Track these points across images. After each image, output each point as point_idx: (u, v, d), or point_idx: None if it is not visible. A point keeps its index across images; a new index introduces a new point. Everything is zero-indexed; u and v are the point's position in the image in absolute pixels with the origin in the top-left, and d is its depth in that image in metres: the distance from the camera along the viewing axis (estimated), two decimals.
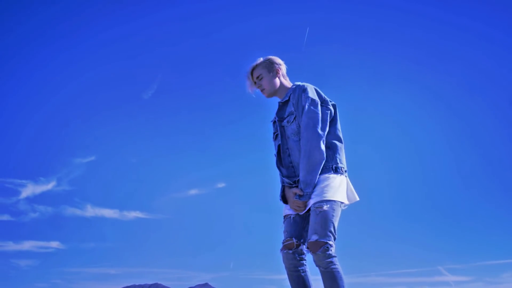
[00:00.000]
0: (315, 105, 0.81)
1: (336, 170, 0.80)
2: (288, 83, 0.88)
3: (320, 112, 0.81)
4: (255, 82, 0.89)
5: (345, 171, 0.81)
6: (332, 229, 0.76)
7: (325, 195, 0.77)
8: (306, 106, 0.81)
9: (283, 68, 0.89)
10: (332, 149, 0.81)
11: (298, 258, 0.80)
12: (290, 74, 0.91)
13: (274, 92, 0.87)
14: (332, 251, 0.75)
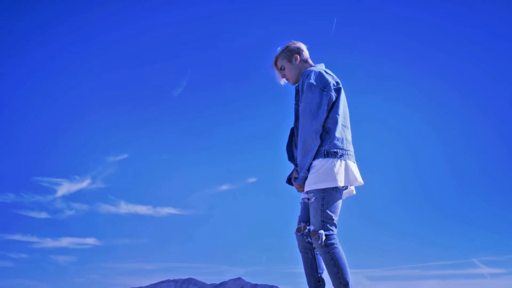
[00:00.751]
0: (314, 91, 0.80)
1: (328, 155, 0.79)
2: (309, 66, 0.88)
3: (318, 97, 0.80)
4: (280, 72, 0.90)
5: (342, 154, 0.80)
6: (325, 219, 0.78)
7: (312, 185, 0.79)
8: (305, 92, 0.81)
9: (303, 53, 0.88)
10: (328, 134, 0.80)
11: (307, 240, 0.83)
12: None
13: (297, 79, 0.87)
14: (324, 239, 0.77)
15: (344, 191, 0.83)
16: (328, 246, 0.78)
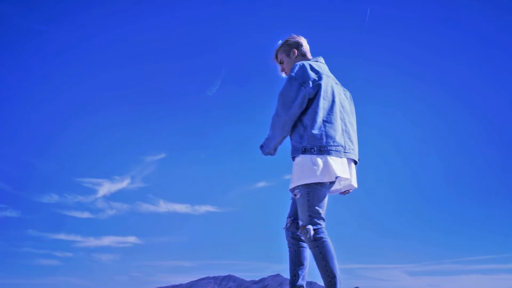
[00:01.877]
0: (292, 83, 0.81)
1: (305, 151, 0.79)
2: (306, 60, 0.88)
3: (295, 92, 0.80)
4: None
5: (320, 150, 0.79)
6: (312, 213, 0.79)
7: (295, 181, 0.80)
8: (285, 82, 0.82)
9: (301, 47, 0.89)
10: (306, 130, 0.80)
11: (290, 235, 0.85)
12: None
13: None
14: (312, 234, 0.78)
15: (341, 186, 0.84)
16: (317, 240, 0.78)
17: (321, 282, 0.79)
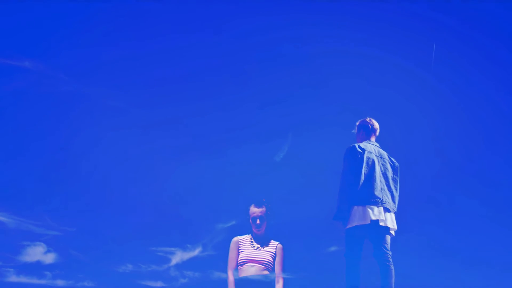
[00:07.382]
0: (348, 161, 1.12)
1: (353, 205, 1.08)
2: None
3: (351, 166, 1.11)
4: None
5: (362, 202, 1.08)
6: (346, 247, 1.09)
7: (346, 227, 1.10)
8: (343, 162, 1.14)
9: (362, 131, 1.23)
10: (353, 191, 1.09)
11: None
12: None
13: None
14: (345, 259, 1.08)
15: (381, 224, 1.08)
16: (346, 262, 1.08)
17: None
